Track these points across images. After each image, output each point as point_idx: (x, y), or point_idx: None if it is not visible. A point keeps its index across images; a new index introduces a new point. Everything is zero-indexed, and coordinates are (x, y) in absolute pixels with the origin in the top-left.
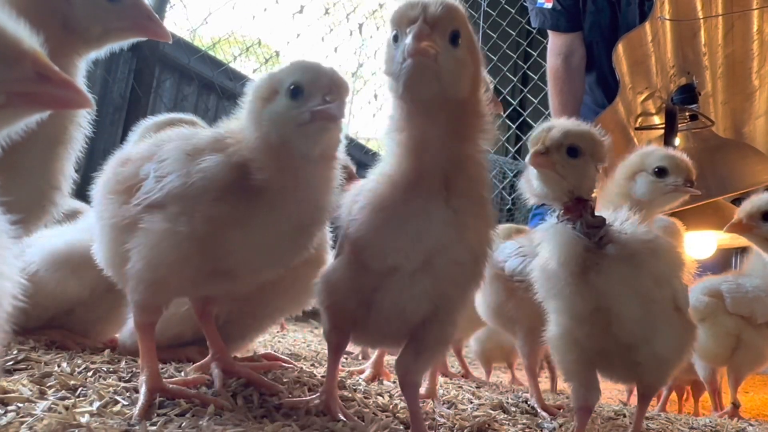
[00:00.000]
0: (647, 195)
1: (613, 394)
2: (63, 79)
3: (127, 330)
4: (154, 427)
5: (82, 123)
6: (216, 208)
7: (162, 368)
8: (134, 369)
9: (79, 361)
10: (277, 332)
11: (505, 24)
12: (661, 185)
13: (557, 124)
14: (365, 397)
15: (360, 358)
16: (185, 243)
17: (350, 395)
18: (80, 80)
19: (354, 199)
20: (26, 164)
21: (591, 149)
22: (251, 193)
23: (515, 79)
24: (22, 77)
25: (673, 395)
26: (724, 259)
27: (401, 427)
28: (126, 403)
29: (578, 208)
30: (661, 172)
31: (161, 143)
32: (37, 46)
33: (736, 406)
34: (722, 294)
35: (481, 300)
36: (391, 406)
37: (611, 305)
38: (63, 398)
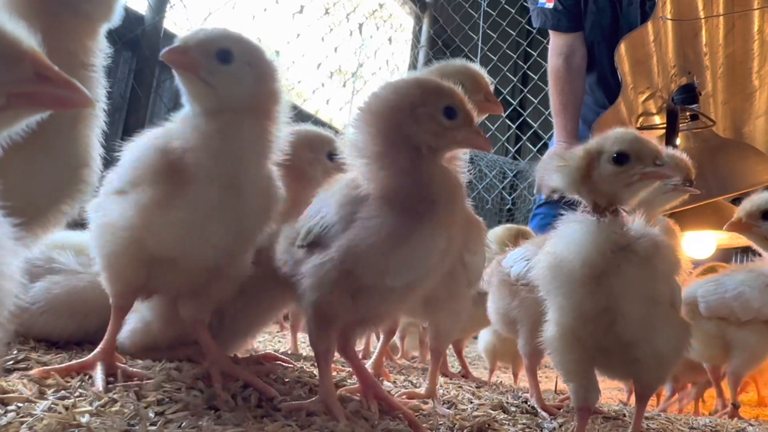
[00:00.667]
0: (647, 194)
1: (613, 394)
2: (63, 78)
3: (125, 331)
4: (154, 427)
5: (100, 98)
6: (146, 193)
7: (162, 368)
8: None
9: None
10: (277, 332)
11: (505, 24)
12: (661, 184)
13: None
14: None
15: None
16: (119, 233)
17: (353, 396)
18: None
19: (344, 201)
20: (57, 144)
21: (637, 155)
22: (176, 173)
23: (515, 79)
24: (22, 78)
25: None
26: (724, 259)
27: (402, 427)
28: (126, 403)
29: (608, 212)
30: None
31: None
32: (36, 46)
33: (735, 406)
34: (697, 299)
35: (491, 305)
36: None
37: (620, 305)
38: (63, 398)
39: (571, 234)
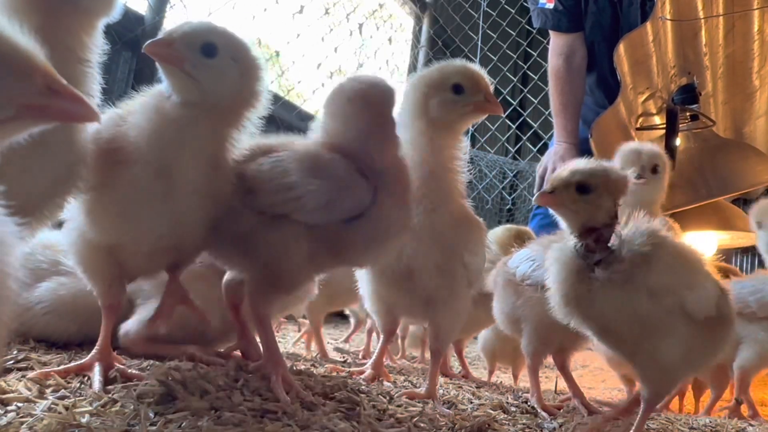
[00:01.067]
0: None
1: (613, 394)
2: (71, 93)
3: (135, 321)
4: (154, 427)
5: (94, 94)
6: (92, 181)
7: (162, 368)
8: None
9: None
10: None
11: (505, 24)
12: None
13: (570, 165)
14: (367, 398)
15: (361, 357)
16: (70, 225)
17: (354, 397)
18: None
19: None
20: (52, 140)
21: (603, 184)
22: (107, 159)
23: (515, 79)
24: (33, 91)
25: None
26: (725, 260)
27: (402, 427)
28: (126, 403)
29: (588, 234)
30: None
31: None
32: (46, 61)
33: (738, 402)
34: None
35: (496, 306)
36: (391, 407)
37: (609, 326)
38: (63, 398)
39: (551, 256)
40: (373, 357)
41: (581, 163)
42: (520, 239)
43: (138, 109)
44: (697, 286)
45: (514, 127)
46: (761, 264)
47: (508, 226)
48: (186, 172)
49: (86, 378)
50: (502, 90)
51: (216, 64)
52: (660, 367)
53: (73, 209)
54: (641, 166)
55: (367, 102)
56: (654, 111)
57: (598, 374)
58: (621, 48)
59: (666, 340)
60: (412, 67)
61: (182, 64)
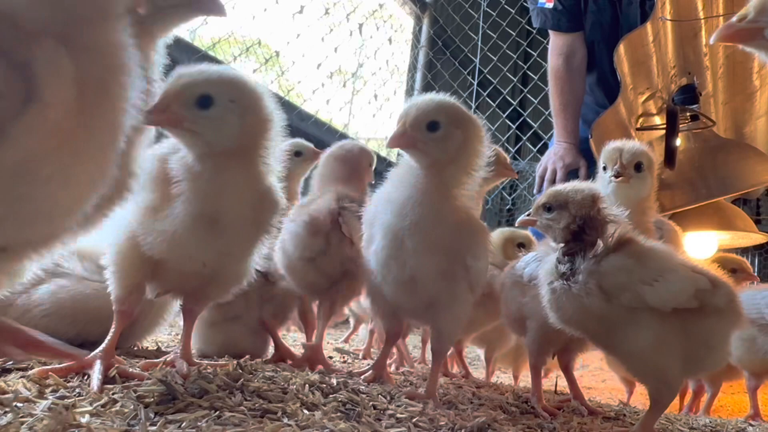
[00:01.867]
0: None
1: (613, 394)
2: None
3: None
4: (154, 427)
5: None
6: (143, 196)
7: (161, 368)
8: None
9: None
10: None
11: (505, 24)
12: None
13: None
14: (367, 398)
15: (361, 357)
16: (121, 228)
17: (354, 397)
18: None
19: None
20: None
21: (562, 204)
22: (169, 184)
23: (515, 79)
24: None
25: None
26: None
27: (402, 428)
28: (126, 403)
29: (566, 246)
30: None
31: None
32: None
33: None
34: None
35: (503, 308)
36: (391, 407)
37: (581, 330)
38: (63, 398)
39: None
40: (376, 358)
41: (558, 186)
42: (513, 242)
43: (173, 164)
44: (658, 280)
45: (514, 127)
46: (761, 264)
47: (503, 229)
48: (229, 216)
49: (86, 377)
50: (502, 90)
51: (215, 114)
52: (639, 357)
53: (131, 213)
54: (621, 165)
55: (344, 159)
56: (654, 111)
57: (598, 374)
58: (621, 48)
59: (631, 331)
60: (412, 68)
61: (182, 125)
